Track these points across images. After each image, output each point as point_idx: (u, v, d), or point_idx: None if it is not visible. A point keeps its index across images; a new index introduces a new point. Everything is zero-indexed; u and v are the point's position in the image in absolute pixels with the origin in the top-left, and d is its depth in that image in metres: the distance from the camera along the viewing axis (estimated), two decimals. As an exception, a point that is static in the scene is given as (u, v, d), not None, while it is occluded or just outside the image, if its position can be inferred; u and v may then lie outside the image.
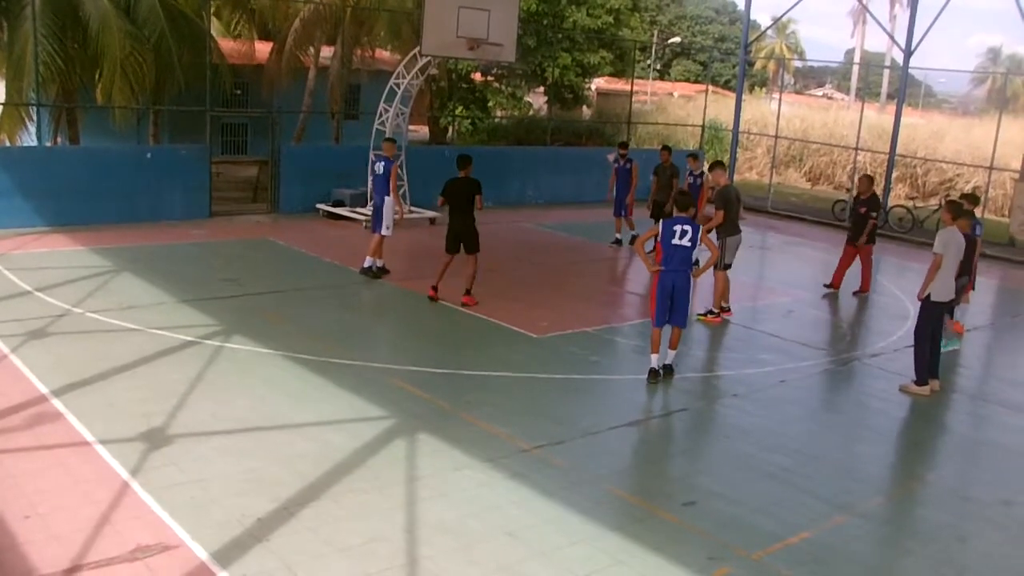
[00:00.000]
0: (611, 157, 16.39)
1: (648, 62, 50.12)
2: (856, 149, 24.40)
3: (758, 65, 54.00)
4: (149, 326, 9.28)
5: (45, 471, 6.06)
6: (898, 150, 22.13)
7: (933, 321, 9.16)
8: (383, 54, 24.52)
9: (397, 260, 12.89)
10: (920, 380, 9.16)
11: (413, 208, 16.55)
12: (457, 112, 29.13)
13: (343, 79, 22.04)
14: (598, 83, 39.72)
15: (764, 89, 51.48)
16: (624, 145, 16.68)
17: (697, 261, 9.05)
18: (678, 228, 8.75)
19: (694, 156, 15.58)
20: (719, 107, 32.71)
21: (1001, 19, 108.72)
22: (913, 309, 10.74)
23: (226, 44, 21.14)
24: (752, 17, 33.06)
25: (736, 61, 34.59)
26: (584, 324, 10.73)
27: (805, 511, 6.36)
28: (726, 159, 24.16)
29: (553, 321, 10.72)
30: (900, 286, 14.39)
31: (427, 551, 5.40)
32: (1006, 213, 23.66)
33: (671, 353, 9.01)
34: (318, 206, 16.90)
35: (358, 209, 16.39)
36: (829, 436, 8.09)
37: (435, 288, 11.17)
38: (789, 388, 9.13)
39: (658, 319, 8.86)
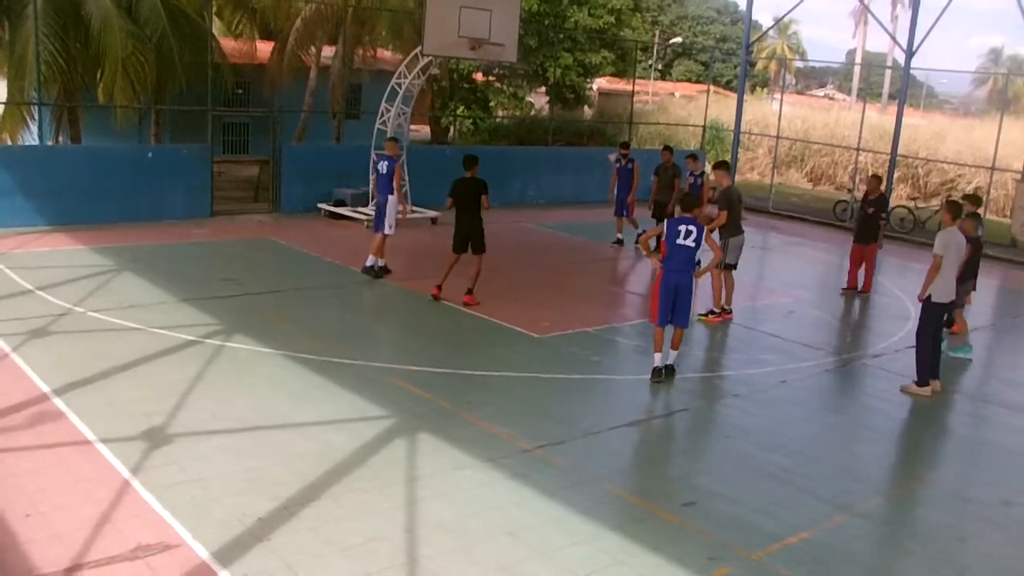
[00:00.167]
0: (612, 157, 16.39)
1: (649, 62, 50.09)
2: (858, 150, 24.40)
3: (760, 65, 54.01)
4: (150, 325, 9.29)
5: (46, 470, 6.07)
6: (899, 151, 22.11)
7: (934, 322, 9.16)
8: (384, 54, 24.49)
9: (398, 260, 12.89)
10: (921, 381, 9.16)
11: (415, 208, 16.56)
12: (459, 112, 29.10)
13: (344, 79, 22.03)
14: (599, 83, 39.71)
15: (765, 89, 51.46)
16: (625, 145, 16.71)
17: (699, 262, 9.07)
18: (682, 228, 8.78)
19: (693, 157, 15.59)
20: (720, 107, 32.70)
21: (1002, 20, 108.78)
22: (914, 310, 10.74)
23: (227, 44, 21.12)
24: (754, 17, 33.01)
25: (737, 61, 34.54)
26: (585, 324, 10.74)
27: (805, 511, 6.36)
28: (727, 159, 24.11)
29: (554, 321, 10.73)
30: (901, 287, 14.38)
31: (427, 551, 5.41)
32: (1007, 214, 23.67)
33: (673, 353, 9.01)
34: (319, 206, 16.92)
35: (359, 209, 16.40)
36: (830, 436, 8.09)
37: (439, 287, 11.19)
38: (790, 388, 9.14)
39: (661, 319, 8.87)
